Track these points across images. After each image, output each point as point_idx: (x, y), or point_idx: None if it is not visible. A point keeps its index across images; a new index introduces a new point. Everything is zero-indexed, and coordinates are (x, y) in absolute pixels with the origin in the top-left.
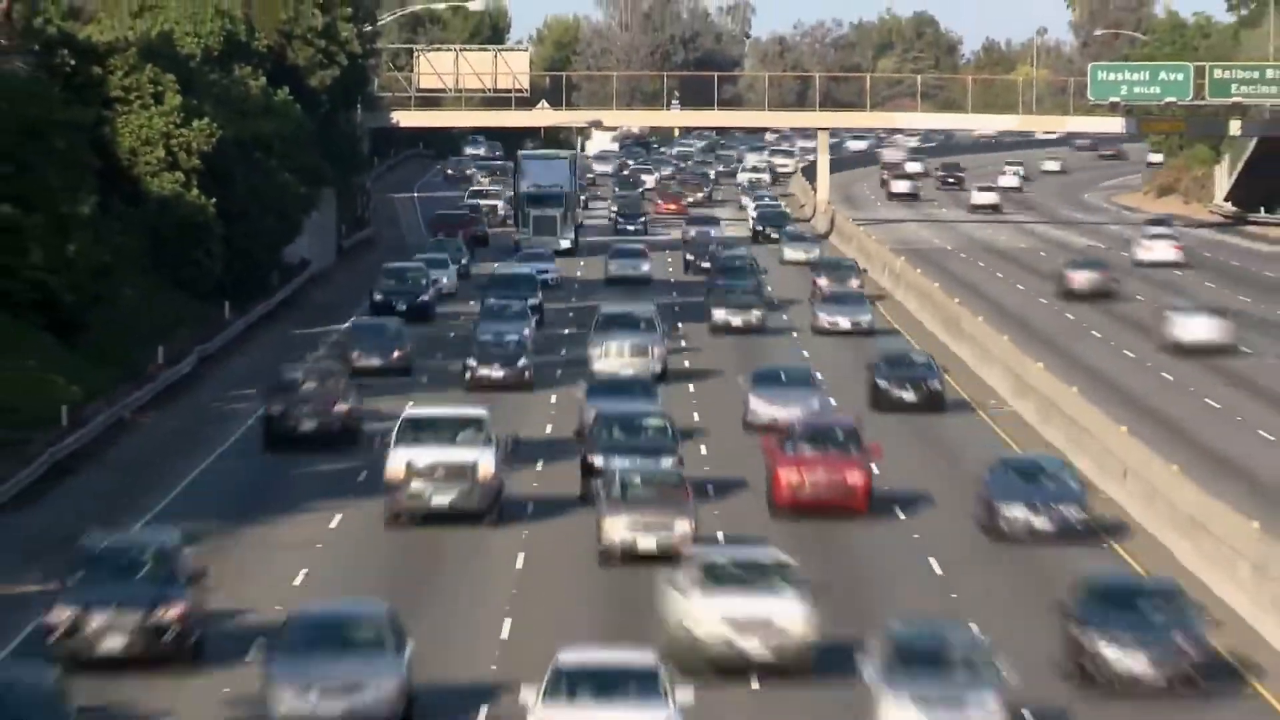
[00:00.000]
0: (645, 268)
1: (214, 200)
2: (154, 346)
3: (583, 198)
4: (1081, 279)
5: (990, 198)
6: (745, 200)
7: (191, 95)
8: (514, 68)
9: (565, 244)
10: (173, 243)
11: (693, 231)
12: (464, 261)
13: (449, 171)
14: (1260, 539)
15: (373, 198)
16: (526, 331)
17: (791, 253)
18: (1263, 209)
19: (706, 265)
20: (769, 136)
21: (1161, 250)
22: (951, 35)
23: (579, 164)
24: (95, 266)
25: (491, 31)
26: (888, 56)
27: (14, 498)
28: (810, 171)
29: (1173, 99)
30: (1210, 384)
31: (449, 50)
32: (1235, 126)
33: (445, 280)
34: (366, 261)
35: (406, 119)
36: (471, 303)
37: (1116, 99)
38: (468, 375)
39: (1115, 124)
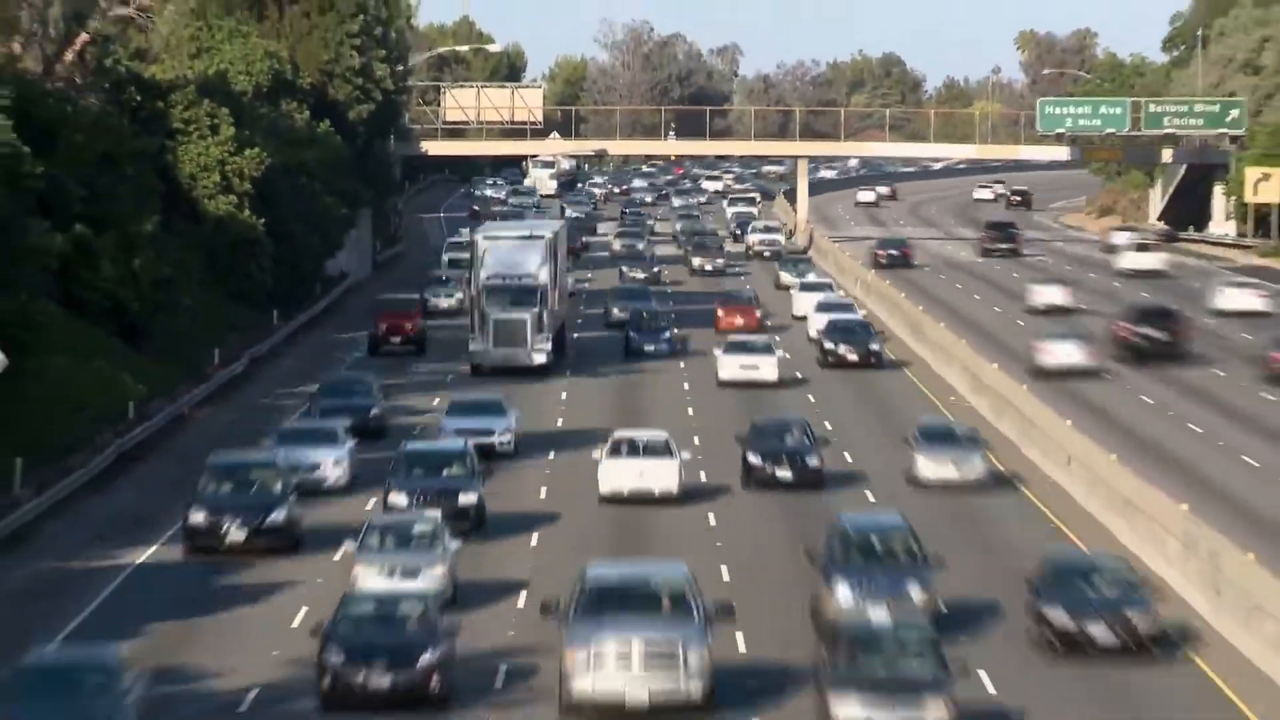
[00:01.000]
0: (671, 483)
1: (263, 220)
2: (210, 349)
3: (580, 286)
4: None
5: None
6: (803, 305)
7: (243, 127)
8: (529, 103)
9: (539, 358)
10: (227, 257)
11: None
12: (375, 411)
13: (474, 191)
14: (1188, 519)
15: (404, 218)
16: (430, 597)
17: None
18: (1191, 228)
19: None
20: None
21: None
22: (916, 74)
23: (563, 238)
24: (158, 279)
25: (509, 70)
26: (860, 92)
27: (87, 483)
28: (791, 195)
29: (1112, 130)
30: (1146, 383)
31: (471, 87)
32: (1167, 154)
33: (328, 469)
34: (397, 273)
35: (434, 148)
36: (370, 504)
37: (1062, 130)
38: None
39: (1061, 152)
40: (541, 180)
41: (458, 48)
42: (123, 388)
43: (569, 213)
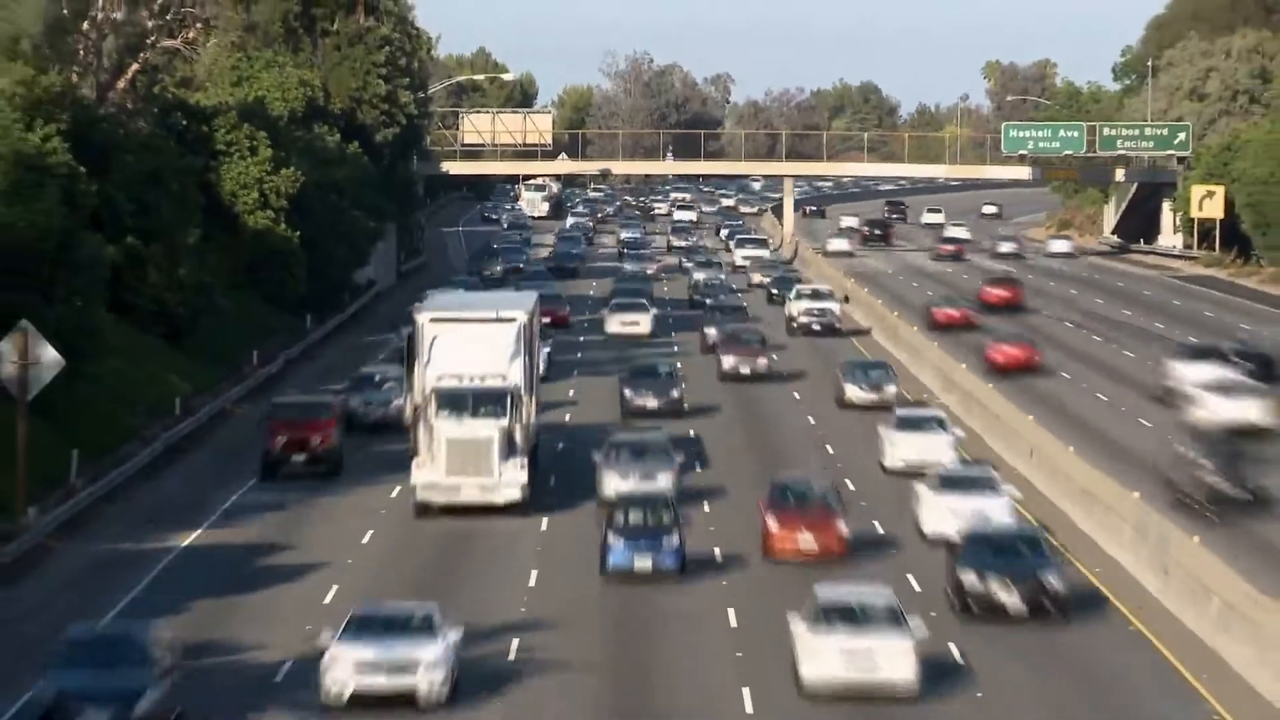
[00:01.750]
0: None
1: (298, 233)
2: (249, 351)
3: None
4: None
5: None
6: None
7: (280, 149)
8: (540, 126)
9: (511, 493)
10: (264, 267)
11: None
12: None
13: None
14: (1139, 507)
15: (425, 231)
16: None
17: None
18: (1141, 240)
19: None
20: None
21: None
22: (892, 100)
23: (537, 314)
24: (201, 286)
25: (522, 97)
26: (841, 117)
27: (137, 473)
28: (778, 210)
29: (1070, 152)
30: (1100, 381)
31: (487, 112)
32: (1120, 174)
33: None
34: (420, 282)
35: (453, 168)
36: None
37: (1024, 151)
38: None
39: (1023, 172)
40: (534, 202)
41: (475, 76)
42: (169, 386)
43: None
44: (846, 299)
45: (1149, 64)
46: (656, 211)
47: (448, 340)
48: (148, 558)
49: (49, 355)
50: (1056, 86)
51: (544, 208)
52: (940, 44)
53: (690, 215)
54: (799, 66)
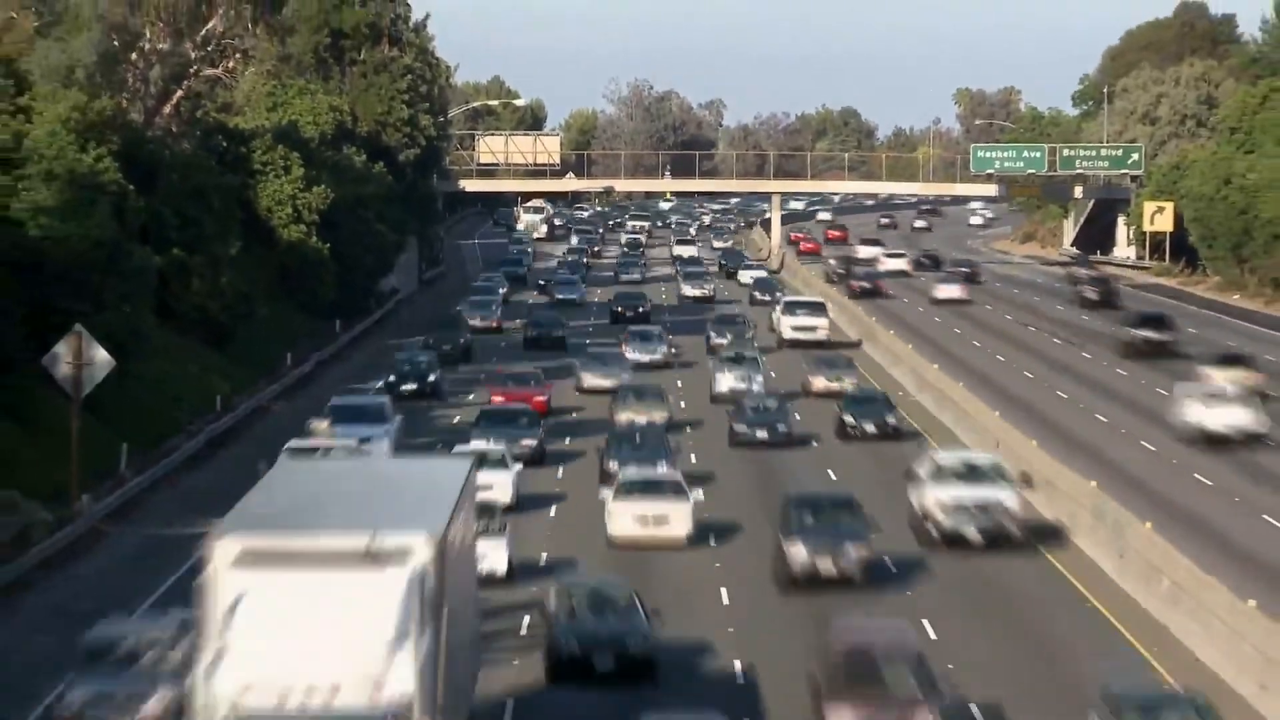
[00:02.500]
0: None
1: (328, 245)
2: (283, 353)
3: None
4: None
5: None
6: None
7: (311, 168)
8: (549, 148)
9: None
10: (297, 276)
11: None
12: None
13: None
14: (1094, 494)
15: (444, 243)
16: None
17: None
18: (1098, 251)
19: None
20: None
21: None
22: (870, 123)
23: (461, 553)
24: (240, 293)
25: (532, 121)
26: (823, 139)
27: (182, 464)
28: (766, 224)
29: (1032, 171)
30: (1059, 380)
31: (501, 134)
32: (1078, 191)
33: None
34: (439, 289)
35: (470, 185)
36: None
37: (991, 170)
38: None
39: (990, 189)
40: (533, 225)
41: (489, 102)
42: (211, 385)
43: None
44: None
45: (1105, 91)
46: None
47: (265, 604)
48: (191, 541)
49: (100, 356)
50: (1021, 111)
51: (543, 229)
52: (914, 72)
53: (692, 250)
54: (786, 93)
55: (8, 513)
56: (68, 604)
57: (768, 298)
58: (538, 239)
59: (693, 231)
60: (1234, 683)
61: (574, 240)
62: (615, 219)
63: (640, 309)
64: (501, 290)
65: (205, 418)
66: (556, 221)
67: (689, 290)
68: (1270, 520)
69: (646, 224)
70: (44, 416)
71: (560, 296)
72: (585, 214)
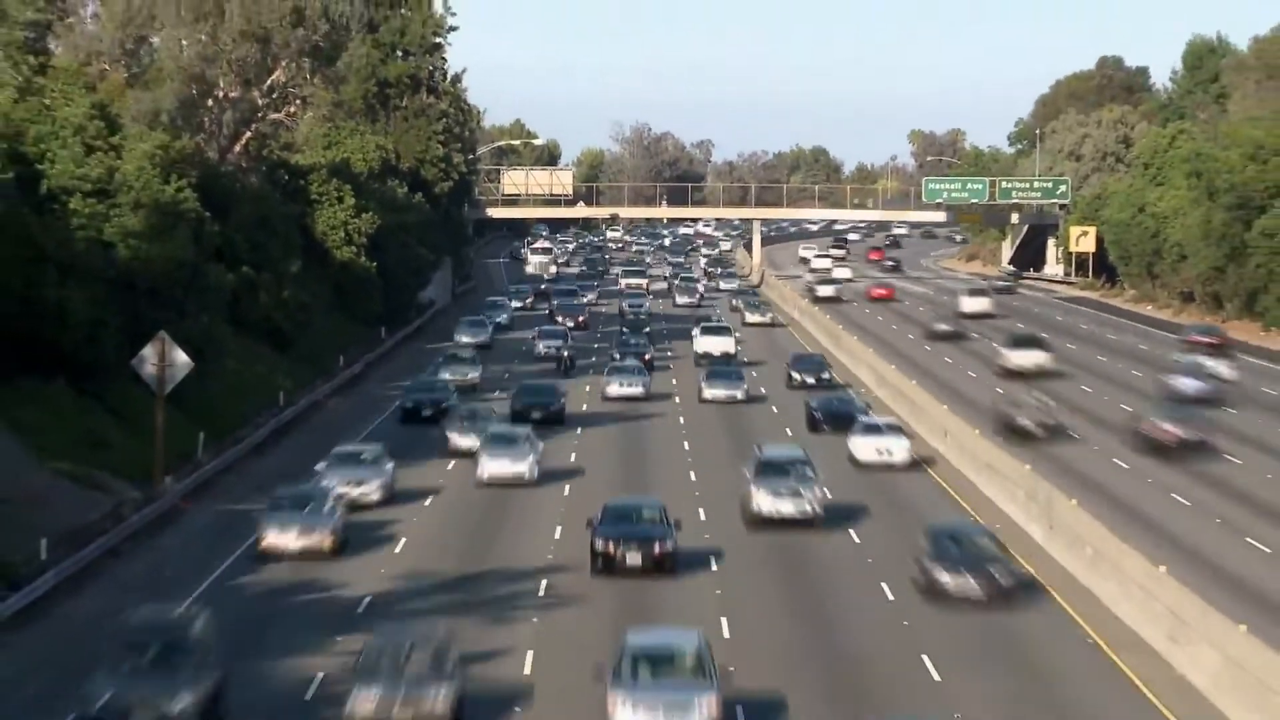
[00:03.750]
0: None
1: (375, 264)
2: (337, 356)
3: None
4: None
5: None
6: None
7: (361, 198)
8: (563, 180)
9: None
10: (349, 290)
11: None
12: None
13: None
14: (1030, 476)
15: (474, 262)
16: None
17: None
18: (1031, 269)
19: None
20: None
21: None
22: (837, 159)
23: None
24: (300, 305)
25: (549, 157)
26: (797, 173)
27: (250, 450)
28: (749, 245)
29: (975, 200)
30: (996, 379)
31: (521, 169)
32: (1014, 217)
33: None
34: (470, 302)
35: (495, 213)
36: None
37: (940, 200)
38: None
39: (940, 216)
40: (542, 266)
41: (512, 141)
42: (275, 383)
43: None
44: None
45: (1037, 132)
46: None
47: None
48: (252, 519)
49: (181, 358)
50: (965, 149)
51: (552, 270)
52: (875, 116)
53: (640, 281)
54: (765, 133)
55: (102, 492)
56: (156, 569)
57: (742, 305)
58: (548, 280)
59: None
60: (1147, 636)
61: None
62: (621, 242)
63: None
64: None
65: (270, 411)
66: (568, 264)
67: (681, 299)
68: (1178, 498)
69: (643, 280)
70: (133, 410)
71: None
72: (606, 236)
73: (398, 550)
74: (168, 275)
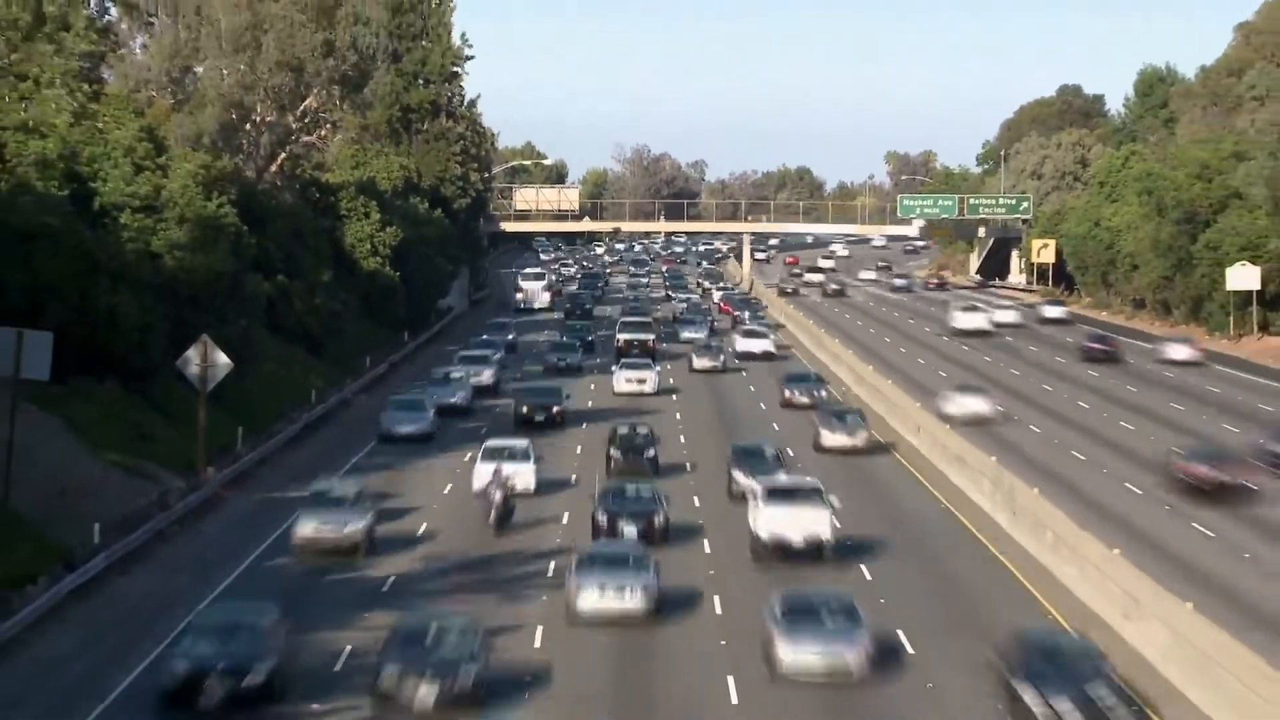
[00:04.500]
0: None
1: (398, 274)
2: (364, 358)
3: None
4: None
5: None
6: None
7: (385, 214)
8: (569, 198)
9: None
10: (375, 298)
11: None
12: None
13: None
14: (994, 468)
15: (489, 272)
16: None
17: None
18: (997, 278)
19: None
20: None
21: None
22: (819, 178)
23: None
24: (331, 312)
25: (557, 176)
26: (783, 191)
27: (285, 443)
28: (739, 256)
29: (946, 215)
30: (964, 376)
31: (533, 187)
32: (981, 231)
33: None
34: (485, 309)
35: (508, 227)
36: None
37: (914, 215)
38: None
39: (914, 230)
40: (534, 293)
41: (524, 161)
42: (307, 383)
43: None
44: None
45: (1002, 153)
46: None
47: None
48: (292, 502)
49: (222, 360)
50: (937, 169)
51: (545, 298)
52: (854, 139)
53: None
54: (755, 154)
55: (150, 481)
56: (198, 556)
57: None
58: (542, 309)
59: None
60: (1103, 614)
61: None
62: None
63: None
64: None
65: (303, 408)
66: (568, 279)
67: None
68: (1131, 487)
69: (649, 336)
70: (177, 406)
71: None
72: (604, 252)
73: (419, 532)
74: (209, 284)
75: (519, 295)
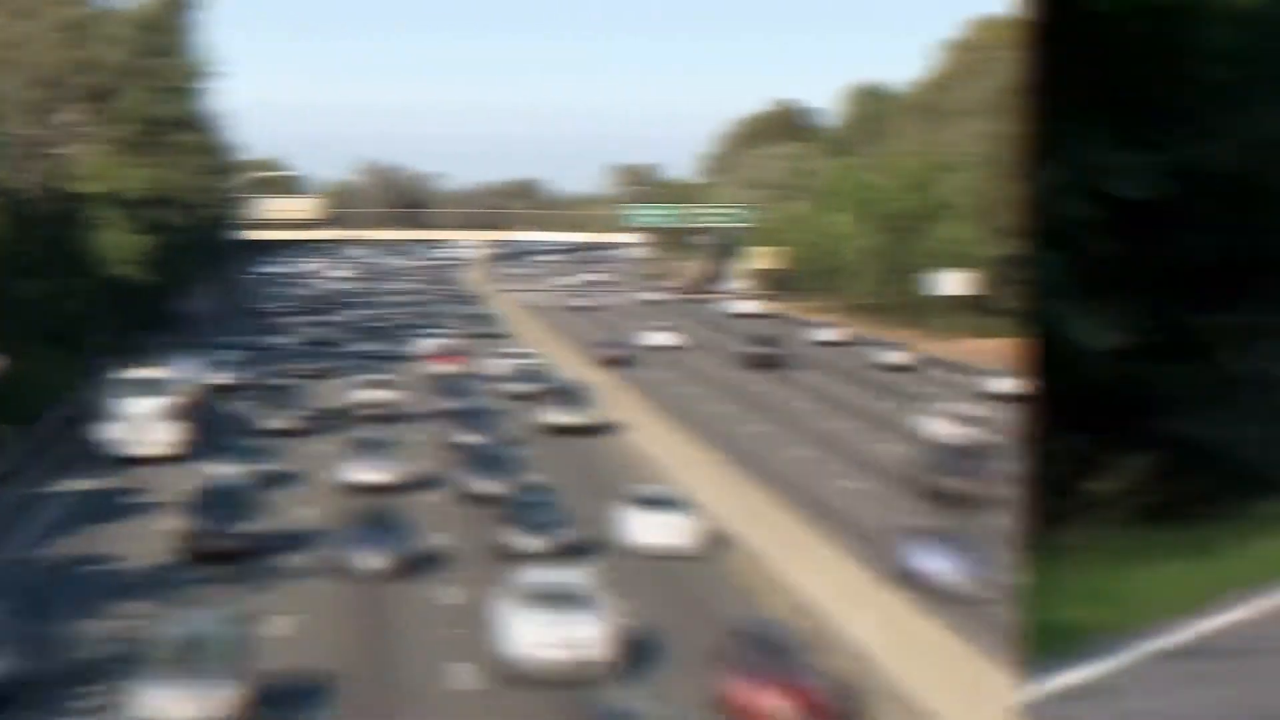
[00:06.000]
0: None
1: (149, 280)
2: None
3: None
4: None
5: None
6: None
7: (134, 222)
8: (311, 207)
9: None
10: (122, 304)
11: None
12: None
13: None
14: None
15: (235, 278)
16: None
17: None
18: (717, 283)
19: None
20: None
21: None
22: (552, 189)
23: None
24: (76, 315)
25: (301, 188)
26: (519, 200)
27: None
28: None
29: (670, 224)
30: (686, 379)
31: (277, 197)
32: (703, 239)
33: None
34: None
35: (254, 235)
36: None
37: (640, 224)
38: None
39: (642, 237)
40: (136, 431)
41: (268, 173)
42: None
43: None
44: None
45: (724, 165)
46: None
47: None
48: None
49: None
50: (662, 180)
51: (160, 433)
52: (583, 151)
53: None
54: (493, 166)
55: None
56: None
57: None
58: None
59: None
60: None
61: None
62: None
63: None
64: None
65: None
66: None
67: None
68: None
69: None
70: None
71: None
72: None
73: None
74: None
75: (113, 427)
